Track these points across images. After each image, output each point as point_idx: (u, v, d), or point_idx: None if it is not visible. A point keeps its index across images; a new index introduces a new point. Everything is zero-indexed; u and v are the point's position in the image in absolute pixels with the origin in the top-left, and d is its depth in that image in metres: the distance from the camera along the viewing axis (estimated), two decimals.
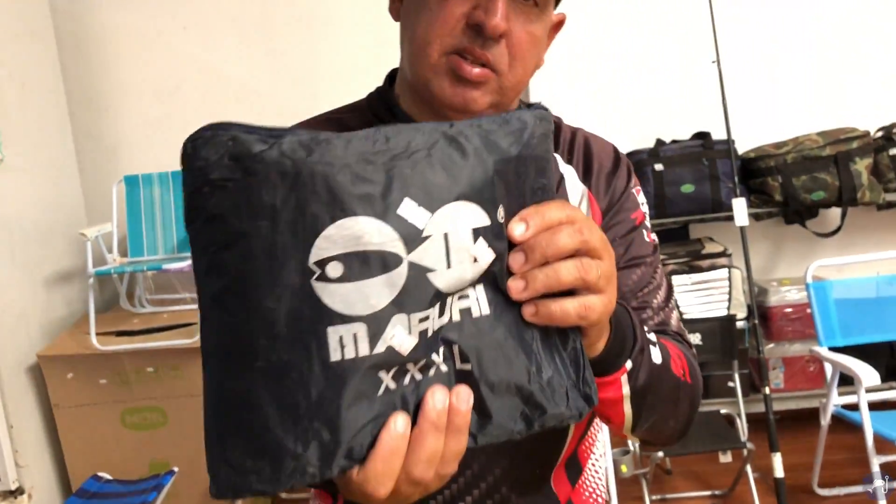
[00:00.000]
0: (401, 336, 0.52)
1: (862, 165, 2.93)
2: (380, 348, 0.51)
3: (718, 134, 3.01)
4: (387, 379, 0.53)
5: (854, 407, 2.57)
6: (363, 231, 0.50)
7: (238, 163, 0.48)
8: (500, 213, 0.56)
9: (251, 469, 0.51)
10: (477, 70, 0.80)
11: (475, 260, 0.54)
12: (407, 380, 0.54)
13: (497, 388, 0.56)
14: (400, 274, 0.51)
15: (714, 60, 2.88)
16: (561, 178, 0.92)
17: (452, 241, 0.53)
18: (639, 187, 0.96)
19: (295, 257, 0.49)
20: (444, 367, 0.55)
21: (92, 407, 2.75)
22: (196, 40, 3.29)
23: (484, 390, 0.56)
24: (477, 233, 0.54)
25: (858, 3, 3.20)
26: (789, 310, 3.07)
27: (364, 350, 0.51)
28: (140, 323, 2.85)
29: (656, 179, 2.99)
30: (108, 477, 2.60)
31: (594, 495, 0.97)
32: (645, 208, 0.95)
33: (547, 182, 0.61)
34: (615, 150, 0.98)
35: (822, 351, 2.68)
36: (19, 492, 2.56)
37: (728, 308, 2.96)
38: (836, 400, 2.67)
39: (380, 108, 0.93)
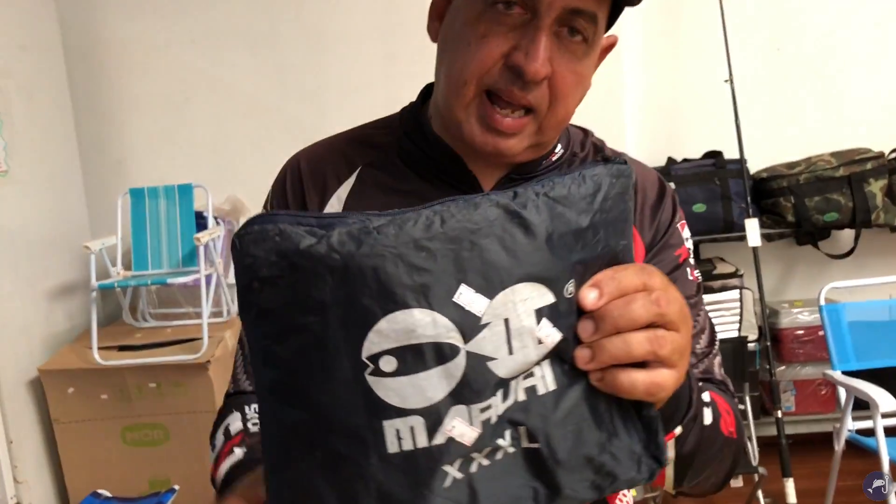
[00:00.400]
0: (461, 427, 0.50)
1: (876, 187, 2.90)
2: (439, 440, 0.50)
3: (730, 153, 2.98)
4: (452, 471, 0.51)
5: (868, 432, 2.52)
6: (416, 324, 0.48)
7: (286, 259, 0.48)
8: (570, 287, 0.52)
9: None
10: (508, 121, 0.75)
11: (539, 342, 0.51)
12: (475, 467, 0.52)
13: (567, 464, 0.54)
14: (458, 365, 0.49)
15: (727, 80, 2.85)
16: None
17: (514, 325, 0.50)
18: (683, 221, 0.91)
19: (347, 352, 0.48)
20: (511, 450, 0.53)
21: (92, 422, 2.70)
22: (204, 53, 3.27)
23: (552, 466, 0.54)
24: (541, 313, 0.51)
25: (873, 23, 3.18)
26: (801, 332, 3.03)
27: (422, 442, 0.49)
28: (143, 337, 2.81)
29: None
30: (108, 494, 2.56)
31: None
32: (689, 244, 0.90)
33: (626, 243, 0.56)
34: (660, 180, 0.92)
35: (836, 375, 2.63)
36: None
37: (739, 329, 2.92)
38: (850, 425, 2.61)
39: (410, 126, 0.89)
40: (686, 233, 0.91)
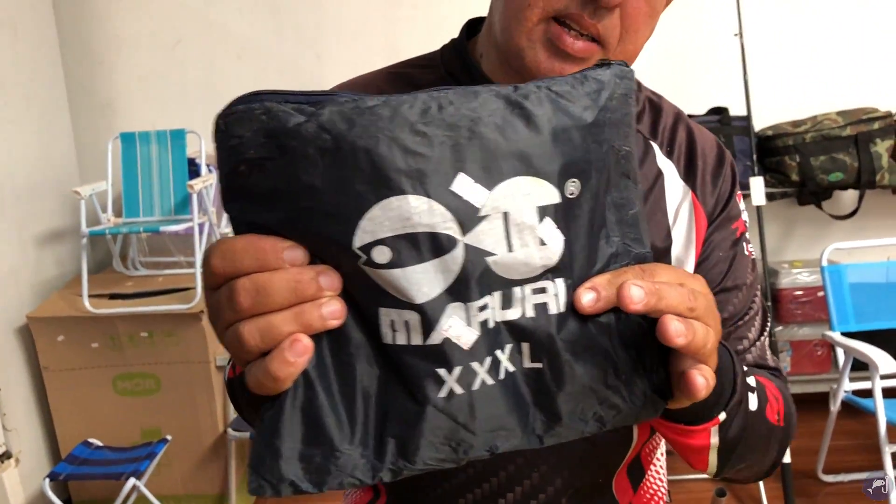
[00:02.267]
0: (458, 327, 0.47)
1: (882, 147, 2.85)
2: (434, 339, 0.47)
3: (736, 110, 2.92)
4: (451, 381, 0.48)
5: (864, 393, 2.53)
6: (412, 211, 0.45)
7: (273, 139, 0.44)
8: (573, 188, 0.49)
9: (301, 460, 0.47)
10: (580, 44, 0.69)
11: (542, 242, 0.48)
12: (477, 384, 0.48)
13: (570, 390, 0.50)
14: (455, 258, 0.46)
15: (736, 34, 2.78)
16: (659, 174, 0.82)
17: (514, 220, 0.47)
18: (740, 192, 0.86)
19: (339, 238, 0.45)
20: (511, 367, 0.50)
21: (83, 371, 2.66)
22: None
23: (554, 392, 0.50)
24: (543, 211, 0.47)
25: None
26: (799, 292, 3.01)
27: (417, 340, 0.47)
28: (134, 286, 2.75)
29: None
30: (99, 443, 2.53)
31: (655, 497, 0.89)
32: (745, 216, 0.85)
33: (629, 150, 0.53)
34: (718, 145, 0.87)
35: (836, 336, 2.63)
36: (6, 456, 2.48)
37: None
38: (847, 386, 2.62)
39: (454, 65, 0.82)
40: (742, 204, 0.86)
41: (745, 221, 0.85)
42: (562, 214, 0.48)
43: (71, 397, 2.69)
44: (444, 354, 0.47)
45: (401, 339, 0.47)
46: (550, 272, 0.49)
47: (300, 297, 0.45)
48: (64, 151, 3.09)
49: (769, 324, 0.86)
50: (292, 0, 3.14)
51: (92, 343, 2.63)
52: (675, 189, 0.82)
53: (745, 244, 0.83)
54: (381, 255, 0.45)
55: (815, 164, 2.87)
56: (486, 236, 0.46)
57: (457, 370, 0.48)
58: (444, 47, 0.85)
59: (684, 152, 0.84)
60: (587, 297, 0.49)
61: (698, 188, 0.82)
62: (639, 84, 0.89)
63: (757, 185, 2.68)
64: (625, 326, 0.52)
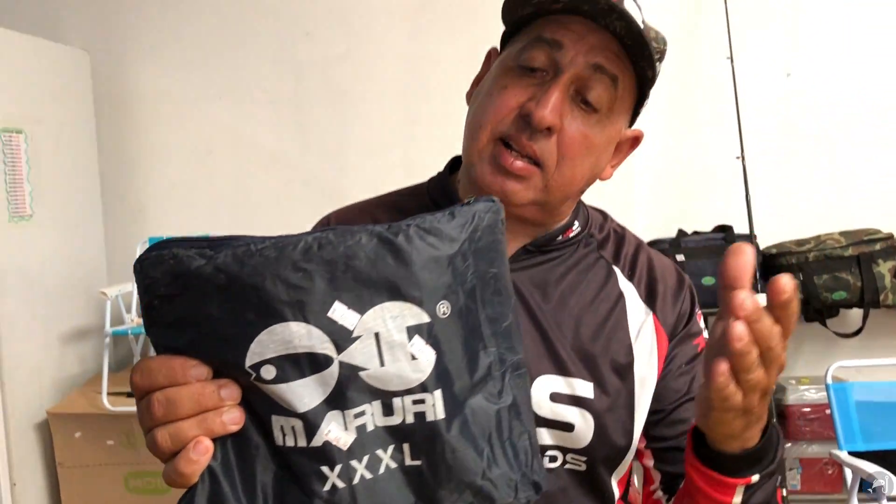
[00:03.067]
0: (336, 431, 0.55)
1: (885, 268, 2.92)
2: (316, 443, 0.55)
3: (741, 228, 3.01)
4: (332, 476, 0.55)
5: None
6: (293, 335, 0.53)
7: (179, 279, 0.53)
8: (443, 308, 0.57)
9: None
10: (519, 163, 0.80)
11: (413, 357, 0.55)
12: (357, 479, 0.56)
13: (447, 485, 0.58)
14: (332, 373, 0.54)
15: (738, 156, 2.91)
16: (621, 295, 0.91)
17: (384, 339, 0.55)
18: (700, 311, 0.96)
19: (236, 357, 0.53)
20: (392, 464, 0.57)
21: (97, 468, 2.72)
22: (230, 109, 3.37)
23: (433, 486, 0.58)
24: (413, 330, 0.55)
25: (885, 104, 3.24)
26: (807, 409, 3.02)
27: (302, 442, 0.55)
28: None
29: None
30: None
31: None
32: (706, 334, 0.94)
33: (497, 271, 0.61)
34: (677, 271, 0.97)
35: (843, 455, 2.62)
36: None
37: None
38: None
39: (437, 193, 0.94)
40: (703, 324, 0.96)
41: (706, 338, 0.93)
42: (433, 332, 0.56)
43: (84, 494, 2.74)
44: (326, 454, 0.55)
45: (290, 442, 0.55)
46: (427, 385, 0.56)
47: (203, 407, 0.54)
48: (94, 253, 3.23)
49: None
50: (318, 117, 3.34)
51: (108, 440, 2.70)
52: (636, 310, 0.91)
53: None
54: (268, 372, 0.53)
55: (819, 283, 2.94)
56: (359, 354, 0.54)
57: (338, 467, 0.55)
58: (431, 179, 0.98)
59: (645, 278, 0.93)
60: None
61: (659, 310, 0.91)
62: (605, 215, 1.00)
63: (759, 301, 2.74)
64: (501, 427, 0.60)
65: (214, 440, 0.55)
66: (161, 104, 3.38)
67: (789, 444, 3.05)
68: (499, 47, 0.92)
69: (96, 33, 3.34)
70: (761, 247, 3.10)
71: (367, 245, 0.54)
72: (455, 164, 0.98)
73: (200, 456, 0.54)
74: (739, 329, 0.58)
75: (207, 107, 3.38)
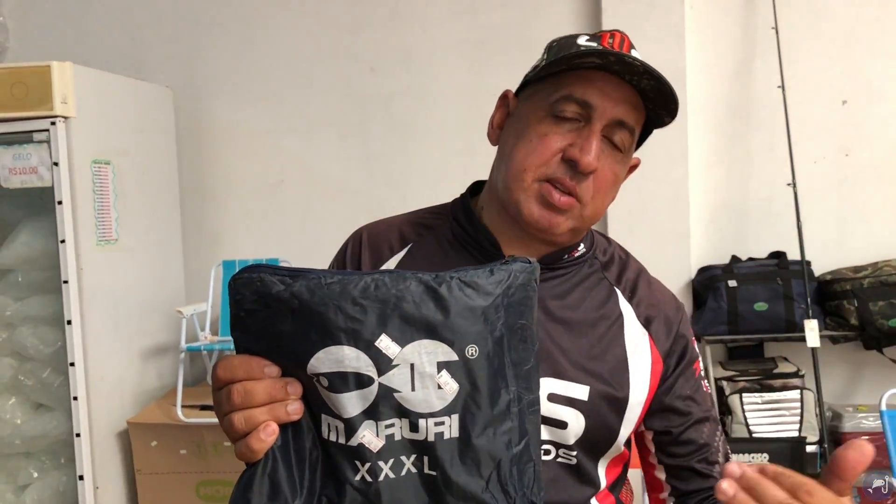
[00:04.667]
0: (369, 437, 0.68)
1: None
2: (353, 443, 0.68)
3: (794, 254, 3.03)
4: (362, 470, 0.69)
5: None
6: (344, 357, 0.66)
7: (262, 298, 0.68)
8: (471, 350, 0.69)
9: None
10: (564, 199, 0.93)
11: (439, 387, 0.68)
12: (382, 476, 0.69)
13: (456, 493, 0.70)
14: (371, 391, 0.67)
15: (789, 183, 2.94)
16: (620, 315, 1.03)
17: (418, 370, 0.68)
18: (694, 338, 1.07)
19: (299, 365, 0.68)
20: (413, 470, 0.70)
21: (171, 475, 2.90)
22: (300, 140, 3.57)
23: (444, 493, 0.70)
24: (442, 365, 0.68)
25: None
26: (865, 437, 2.99)
27: (342, 440, 0.69)
28: None
29: (729, 296, 3.02)
30: None
31: None
32: (700, 358, 1.07)
33: (526, 323, 0.74)
34: (674, 299, 1.09)
35: None
36: None
37: (799, 430, 2.92)
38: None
39: (460, 216, 1.06)
40: (697, 348, 1.07)
41: (701, 362, 1.06)
42: (459, 369, 0.69)
43: (159, 499, 2.92)
44: (359, 453, 0.69)
45: (332, 437, 0.69)
46: (448, 410, 0.69)
47: (273, 398, 0.68)
48: (174, 275, 3.45)
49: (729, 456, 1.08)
50: (382, 149, 3.50)
51: (181, 450, 2.88)
52: (634, 330, 1.02)
53: (703, 382, 1.05)
54: (323, 381, 0.67)
55: (874, 310, 2.93)
56: (396, 379, 0.67)
57: (367, 465, 0.69)
58: (454, 201, 1.10)
59: (644, 302, 1.05)
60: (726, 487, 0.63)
61: (654, 333, 1.03)
62: (609, 240, 1.11)
63: (811, 327, 2.76)
64: (510, 454, 0.72)
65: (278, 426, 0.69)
66: (237, 137, 3.61)
67: None
68: (514, 90, 1.05)
69: (178, 72, 3.60)
70: (816, 273, 3.11)
71: (415, 291, 0.68)
72: (475, 188, 1.10)
73: (269, 436, 0.68)
74: None
75: (279, 139, 3.59)
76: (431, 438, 0.69)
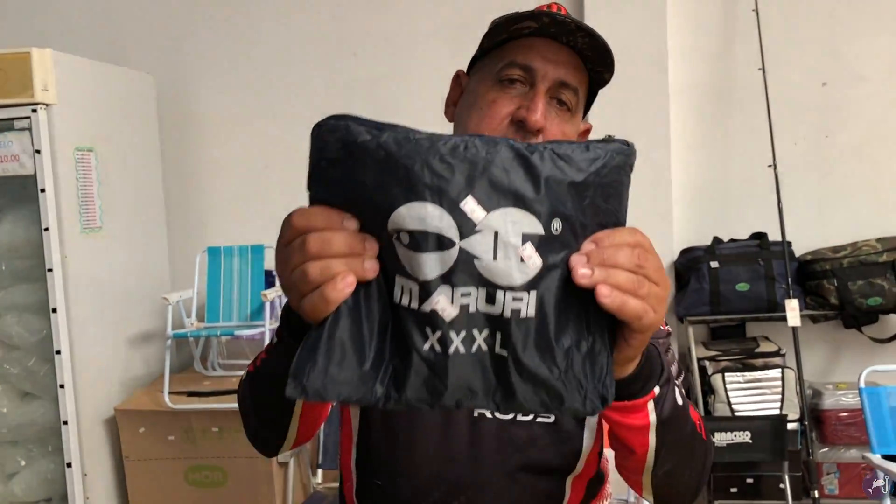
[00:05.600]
0: (443, 303, 0.64)
1: None
2: (426, 308, 0.64)
3: (775, 235, 3.07)
4: (432, 339, 0.65)
5: None
6: (428, 215, 0.62)
7: (347, 147, 0.64)
8: (556, 225, 0.65)
9: (332, 374, 0.64)
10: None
11: (522, 259, 0.64)
12: (452, 349, 0.65)
13: (525, 376, 0.65)
14: (451, 255, 0.63)
15: (770, 164, 2.97)
16: None
17: (502, 238, 0.63)
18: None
19: (378, 221, 0.63)
20: (484, 347, 0.66)
21: (159, 461, 2.91)
22: (284, 126, 3.56)
23: (514, 376, 0.65)
24: (526, 237, 0.64)
25: None
26: (844, 414, 3.04)
27: (415, 305, 0.64)
28: (211, 385, 3.03)
29: (712, 276, 3.05)
30: None
31: None
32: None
33: (613, 208, 0.69)
34: None
35: (875, 458, 2.65)
36: None
37: (781, 408, 2.96)
38: (889, 501, 2.62)
39: None
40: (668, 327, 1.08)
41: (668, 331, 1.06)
42: (543, 243, 0.64)
43: (147, 485, 2.94)
44: (432, 319, 0.64)
45: (405, 301, 0.65)
46: (528, 286, 0.64)
47: (353, 251, 0.64)
48: (159, 262, 3.45)
49: (681, 377, 1.06)
50: None
51: (169, 436, 2.89)
52: None
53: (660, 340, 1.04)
54: (404, 238, 0.63)
55: (853, 289, 2.97)
56: (478, 244, 0.63)
57: (438, 332, 0.64)
58: None
59: None
60: (587, 247, 0.66)
61: None
62: None
63: (791, 307, 2.80)
64: (584, 340, 0.67)
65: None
66: (220, 123, 3.60)
67: (826, 449, 3.08)
68: (466, 69, 1.09)
69: (161, 58, 3.58)
70: (797, 253, 3.15)
71: (505, 156, 0.63)
72: None
73: (348, 286, 0.63)
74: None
75: (263, 125, 3.58)
76: (508, 314, 0.65)
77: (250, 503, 2.87)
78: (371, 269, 0.64)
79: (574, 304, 0.67)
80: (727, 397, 3.00)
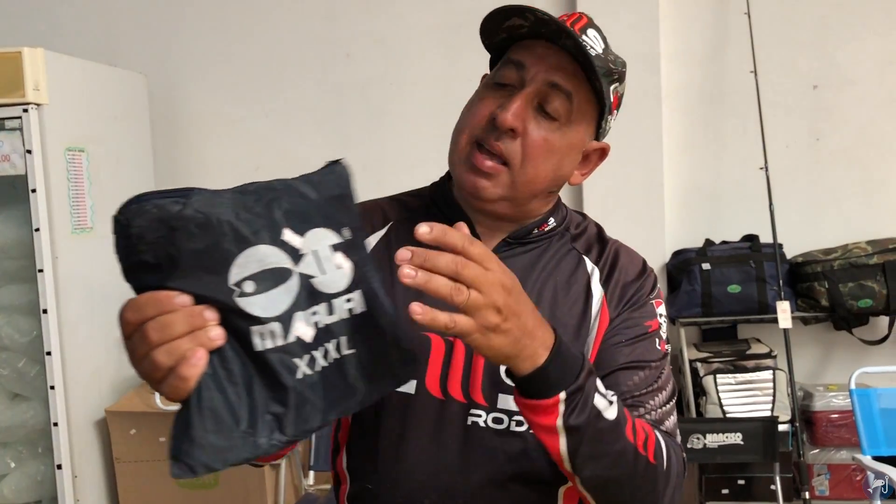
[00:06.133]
0: (302, 328, 0.71)
1: None
2: (291, 339, 0.71)
3: (767, 237, 3.08)
4: (302, 365, 0.72)
5: None
6: (263, 255, 0.69)
7: (164, 223, 0.65)
8: (346, 232, 0.75)
9: (212, 444, 0.66)
10: (489, 163, 0.96)
11: (338, 266, 0.74)
12: (318, 367, 0.73)
13: (374, 362, 0.76)
14: (294, 282, 0.71)
15: (762, 167, 2.98)
16: (588, 279, 1.05)
17: (320, 254, 0.73)
18: (660, 300, 1.08)
19: (218, 281, 0.67)
20: (336, 355, 0.75)
21: (150, 463, 2.90)
22: (276, 127, 3.56)
23: (367, 366, 0.76)
24: (334, 248, 0.74)
25: None
26: (835, 416, 3.05)
27: (280, 342, 0.70)
28: None
29: (703, 278, 3.06)
30: None
31: None
32: (662, 320, 1.06)
33: (355, 211, 0.78)
34: (644, 265, 1.10)
35: (865, 460, 2.67)
36: None
37: (772, 410, 2.97)
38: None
39: (437, 196, 1.10)
40: (661, 310, 1.08)
41: (661, 324, 1.06)
42: (345, 248, 0.75)
43: (138, 487, 2.92)
44: (297, 347, 0.71)
45: (269, 344, 0.69)
46: (352, 286, 0.75)
47: (194, 326, 0.66)
48: None
49: (674, 400, 1.04)
50: (358, 135, 3.51)
51: (160, 437, 2.88)
52: (596, 288, 1.05)
53: (657, 339, 1.04)
54: (249, 286, 0.68)
55: (844, 291, 2.99)
56: (308, 266, 0.72)
57: (305, 357, 0.71)
58: (434, 183, 1.13)
59: (608, 264, 1.07)
60: (422, 229, 0.72)
61: (609, 293, 1.05)
62: (585, 216, 1.14)
63: (783, 308, 2.82)
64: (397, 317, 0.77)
65: None
66: (211, 124, 3.59)
67: (816, 451, 3.09)
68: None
69: (152, 58, 3.57)
70: (788, 255, 3.16)
71: (293, 189, 0.73)
72: None
73: (199, 361, 0.65)
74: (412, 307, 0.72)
75: (255, 126, 3.57)
76: (347, 315, 0.75)
77: None
78: (217, 336, 0.66)
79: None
80: (718, 399, 3.00)
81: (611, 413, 0.86)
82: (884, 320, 3.17)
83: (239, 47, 3.57)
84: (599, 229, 1.13)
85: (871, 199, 3.30)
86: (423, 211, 1.10)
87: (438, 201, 1.08)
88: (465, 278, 0.73)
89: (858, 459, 2.69)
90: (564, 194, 1.11)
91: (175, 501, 2.91)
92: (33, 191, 2.68)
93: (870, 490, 2.44)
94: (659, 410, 1.00)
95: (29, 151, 2.66)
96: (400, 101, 3.46)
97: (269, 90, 3.56)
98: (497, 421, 0.99)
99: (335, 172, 0.78)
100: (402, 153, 3.46)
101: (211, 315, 0.66)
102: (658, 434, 0.94)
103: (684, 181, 3.36)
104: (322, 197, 0.74)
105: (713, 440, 2.79)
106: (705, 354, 3.12)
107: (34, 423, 2.84)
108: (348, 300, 0.75)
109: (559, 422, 0.83)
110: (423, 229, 0.72)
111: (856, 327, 3.13)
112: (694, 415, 3.05)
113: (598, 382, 0.87)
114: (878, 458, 2.67)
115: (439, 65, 3.38)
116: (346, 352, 0.75)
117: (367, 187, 3.20)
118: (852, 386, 2.77)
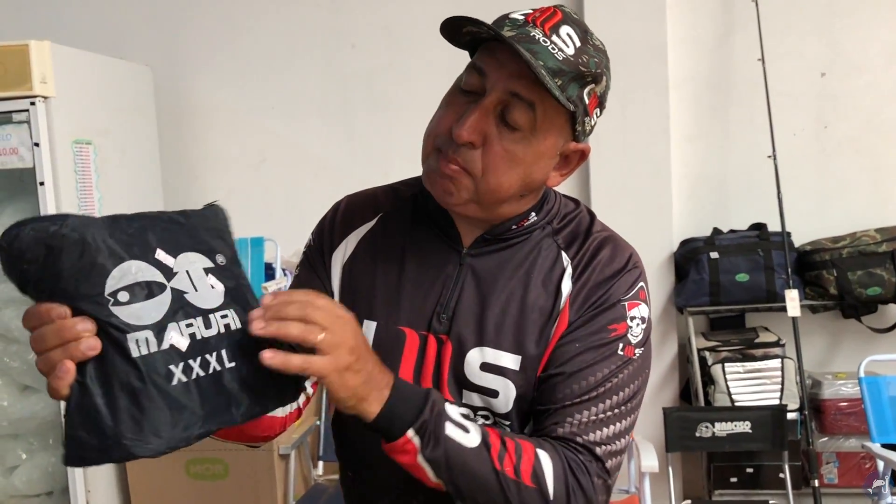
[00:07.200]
0: (176, 337, 0.77)
1: None
2: (164, 346, 0.76)
3: (775, 226, 3.07)
4: (178, 373, 0.76)
5: None
6: (137, 269, 0.76)
7: (41, 243, 0.71)
8: (220, 258, 0.84)
9: (88, 443, 0.72)
10: (451, 167, 0.95)
11: (212, 286, 0.82)
12: (194, 375, 0.77)
13: (254, 377, 0.82)
14: (166, 296, 0.77)
15: (770, 155, 2.97)
16: (562, 274, 1.02)
17: (194, 274, 0.80)
18: (636, 301, 1.01)
19: (96, 293, 0.73)
20: (217, 367, 0.80)
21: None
22: (282, 119, 3.56)
23: (246, 378, 0.81)
24: (207, 270, 0.82)
25: None
26: (844, 404, 3.05)
27: (154, 348, 0.75)
28: None
29: (711, 267, 3.06)
30: None
31: None
32: (634, 323, 1.00)
33: (230, 243, 0.89)
34: (627, 261, 1.03)
35: (874, 447, 2.66)
36: None
37: (780, 398, 2.97)
38: (889, 499, 2.63)
39: (424, 188, 1.08)
40: (636, 311, 1.01)
41: (631, 327, 1.00)
42: (217, 272, 0.83)
43: (148, 478, 2.94)
44: (171, 355, 0.76)
45: (144, 350, 0.74)
46: (226, 305, 0.82)
47: (64, 339, 0.72)
48: None
49: (620, 409, 0.99)
50: (364, 126, 3.51)
51: None
52: (566, 285, 1.02)
53: (621, 343, 0.98)
54: (123, 296, 0.74)
55: (853, 279, 2.98)
56: (180, 283, 0.79)
57: (181, 365, 0.76)
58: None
59: (584, 261, 1.03)
60: (266, 300, 0.81)
61: (574, 293, 1.01)
62: (578, 204, 1.13)
63: (791, 297, 2.81)
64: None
65: (82, 362, 0.72)
66: (218, 116, 3.60)
67: (825, 439, 3.09)
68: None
69: (158, 51, 3.57)
70: (796, 244, 3.15)
71: (166, 218, 0.82)
72: None
73: (65, 374, 0.71)
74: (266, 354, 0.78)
75: (261, 118, 3.57)
76: (223, 330, 0.81)
77: (251, 496, 2.87)
78: (89, 347, 0.71)
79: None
80: (727, 387, 3.00)
81: (470, 441, 0.89)
82: (893, 308, 3.16)
83: (244, 39, 3.57)
84: (591, 219, 1.09)
85: (879, 187, 3.28)
86: (410, 202, 1.11)
87: (426, 195, 1.06)
88: (316, 320, 0.79)
89: (868, 447, 2.69)
90: (570, 184, 1.09)
91: (185, 491, 2.92)
92: (41, 183, 2.68)
93: (870, 490, 2.43)
94: (579, 424, 0.96)
95: (37, 144, 2.66)
96: (406, 91, 3.45)
97: (274, 81, 3.56)
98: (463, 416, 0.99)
99: (211, 210, 0.88)
100: (409, 144, 3.42)
101: (84, 326, 0.72)
102: (543, 455, 0.93)
103: (692, 170, 3.35)
104: (194, 226, 0.83)
105: (722, 429, 2.79)
106: (714, 343, 3.12)
107: (45, 415, 2.85)
108: (223, 316, 0.82)
109: (419, 458, 0.88)
110: (268, 354, 0.78)
111: (864, 315, 3.12)
112: (702, 403, 3.05)
113: (453, 412, 0.90)
114: (886, 446, 2.67)
115: (445, 55, 3.35)
116: (228, 364, 0.81)
117: (373, 177, 3.20)
118: (861, 374, 2.76)
